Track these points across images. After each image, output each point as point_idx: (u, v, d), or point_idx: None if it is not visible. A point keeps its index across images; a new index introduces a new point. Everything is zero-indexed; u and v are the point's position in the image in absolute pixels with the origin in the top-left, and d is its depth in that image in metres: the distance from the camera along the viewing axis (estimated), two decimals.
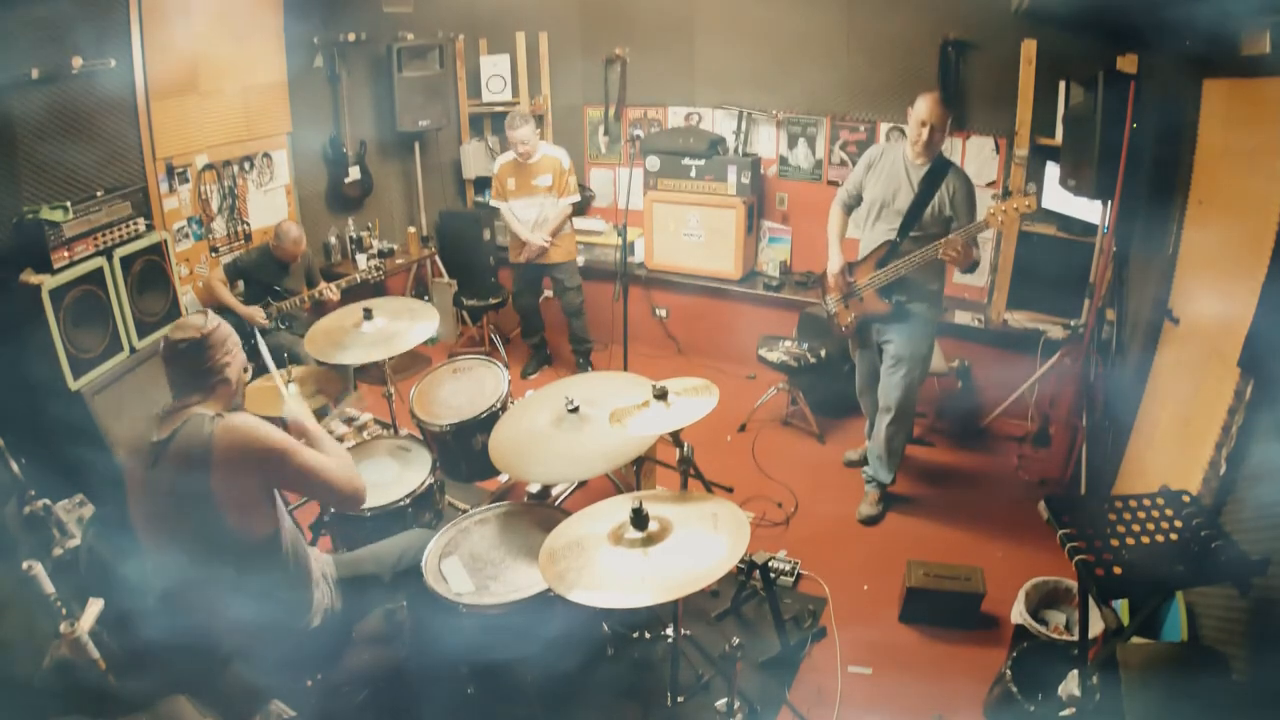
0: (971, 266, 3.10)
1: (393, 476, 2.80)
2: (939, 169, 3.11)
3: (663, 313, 5.30)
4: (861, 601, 3.09)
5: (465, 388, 3.06)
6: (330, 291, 4.15)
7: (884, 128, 4.57)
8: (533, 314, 4.98)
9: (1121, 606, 2.38)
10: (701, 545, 1.92)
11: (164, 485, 1.81)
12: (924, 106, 3.04)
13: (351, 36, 4.91)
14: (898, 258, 3.17)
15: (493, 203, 4.77)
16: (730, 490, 3.64)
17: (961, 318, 4.37)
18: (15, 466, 2.76)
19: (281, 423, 2.05)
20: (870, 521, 3.56)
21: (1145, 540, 1.84)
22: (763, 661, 2.74)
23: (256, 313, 4.01)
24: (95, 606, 2.17)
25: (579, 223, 5.51)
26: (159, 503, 1.85)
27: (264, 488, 1.87)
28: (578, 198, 4.76)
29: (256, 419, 1.88)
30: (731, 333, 4.99)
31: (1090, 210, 3.66)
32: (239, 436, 1.81)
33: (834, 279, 3.42)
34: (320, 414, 4.13)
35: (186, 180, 4.10)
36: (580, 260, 5.44)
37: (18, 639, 2.19)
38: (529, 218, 4.61)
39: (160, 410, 1.90)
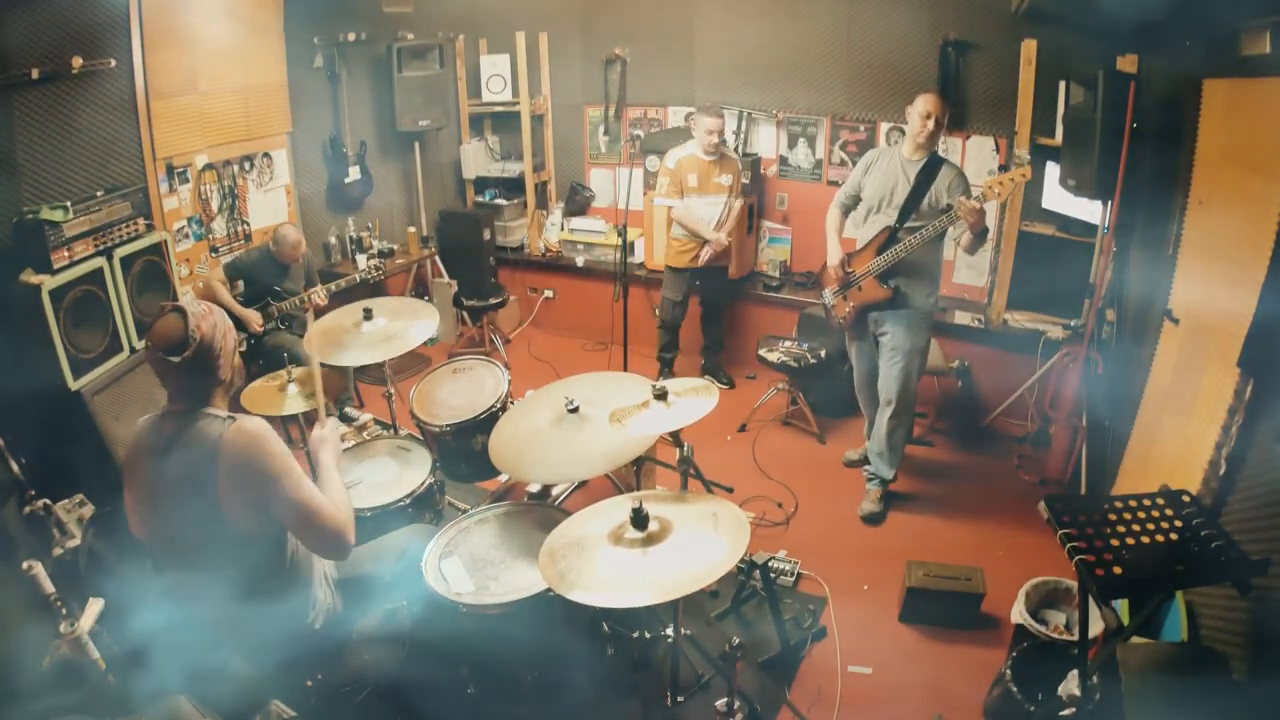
0: (983, 234, 3.12)
1: (393, 476, 2.80)
2: (934, 163, 3.20)
3: None
4: (861, 601, 3.09)
5: (465, 388, 3.06)
6: (318, 296, 4.13)
7: (884, 128, 4.57)
8: (680, 324, 4.70)
9: (1121, 606, 2.38)
10: (701, 545, 1.92)
11: (168, 482, 1.80)
12: (927, 100, 3.14)
13: (351, 36, 4.91)
14: (897, 244, 3.22)
15: (663, 201, 4.40)
16: (730, 490, 3.63)
17: (961, 318, 4.37)
18: (15, 466, 2.76)
19: (283, 423, 2.04)
20: (872, 519, 3.57)
21: (1145, 540, 1.84)
22: (763, 661, 2.74)
23: (254, 315, 4.01)
24: (95, 606, 2.18)
25: (577, 223, 5.53)
26: (161, 499, 1.84)
27: (264, 497, 1.85)
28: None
29: (270, 430, 1.85)
30: (731, 333, 4.99)
31: (1090, 210, 3.66)
32: (248, 442, 1.79)
33: (833, 270, 3.48)
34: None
35: (186, 180, 4.10)
36: (580, 260, 5.46)
37: (18, 639, 2.19)
38: (712, 217, 4.40)
39: (164, 407, 1.89)
